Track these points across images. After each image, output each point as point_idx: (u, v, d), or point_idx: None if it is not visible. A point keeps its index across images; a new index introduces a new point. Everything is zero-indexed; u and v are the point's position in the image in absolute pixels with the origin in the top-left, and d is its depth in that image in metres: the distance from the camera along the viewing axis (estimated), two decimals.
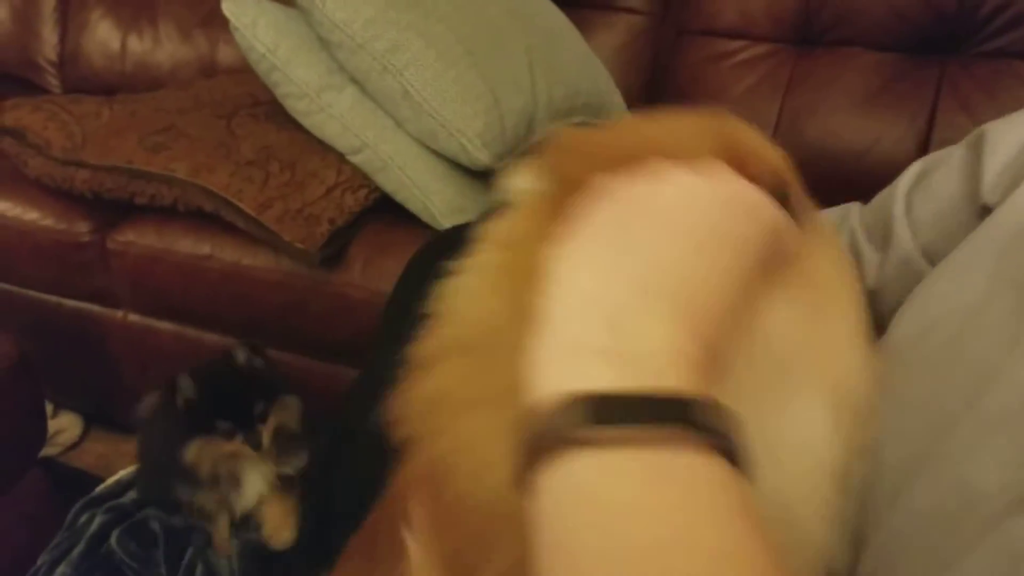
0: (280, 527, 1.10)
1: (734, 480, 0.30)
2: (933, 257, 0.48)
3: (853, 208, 0.56)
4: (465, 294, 0.41)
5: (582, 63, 1.41)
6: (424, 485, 0.41)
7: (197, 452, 1.07)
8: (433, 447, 0.38)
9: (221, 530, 1.10)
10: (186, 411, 1.07)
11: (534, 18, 1.38)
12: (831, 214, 0.59)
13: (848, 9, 1.44)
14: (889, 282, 0.50)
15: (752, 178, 0.39)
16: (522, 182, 0.44)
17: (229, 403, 1.07)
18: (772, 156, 0.41)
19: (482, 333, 0.39)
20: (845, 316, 0.43)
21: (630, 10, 1.64)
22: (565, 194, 0.39)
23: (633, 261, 0.34)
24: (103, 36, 1.87)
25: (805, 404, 0.39)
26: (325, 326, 1.24)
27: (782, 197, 0.39)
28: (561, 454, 0.30)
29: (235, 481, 1.10)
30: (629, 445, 0.29)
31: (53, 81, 1.93)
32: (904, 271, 0.49)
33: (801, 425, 0.39)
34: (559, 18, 1.45)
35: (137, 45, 1.85)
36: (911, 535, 0.37)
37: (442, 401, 0.39)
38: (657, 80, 1.64)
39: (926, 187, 0.50)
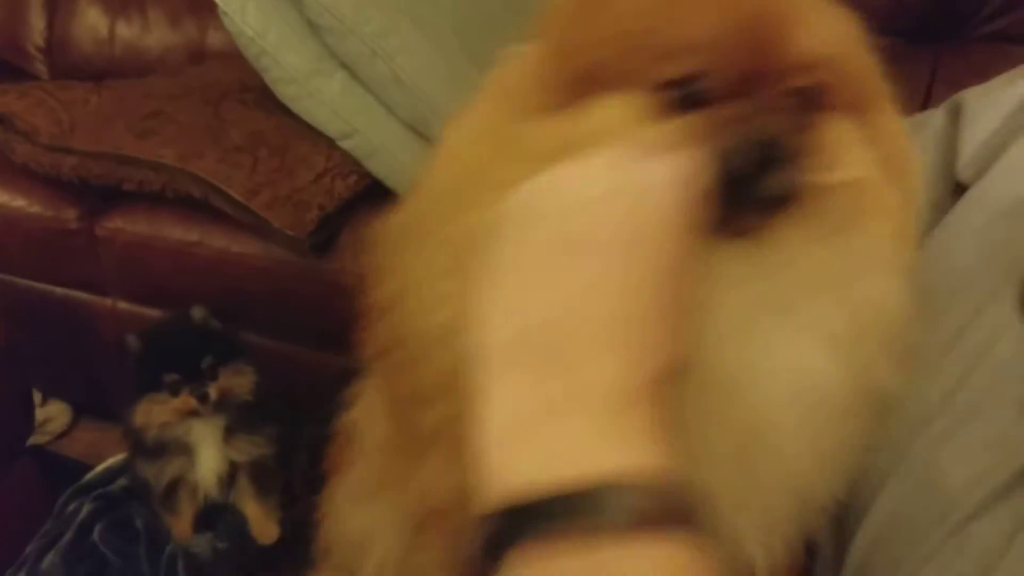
0: (264, 525, 1.09)
1: (681, 558, 0.29)
2: None
3: None
4: (458, 136, 0.42)
5: None
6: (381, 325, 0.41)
7: (145, 412, 1.04)
8: (389, 283, 0.39)
9: (183, 519, 1.07)
10: (136, 369, 1.04)
11: (529, 4, 1.36)
12: None
13: None
14: None
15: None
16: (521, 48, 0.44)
17: (178, 358, 1.03)
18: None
19: (455, 180, 0.40)
20: (877, 232, 0.39)
21: None
22: (556, 58, 0.39)
23: (561, 306, 0.32)
24: (91, 22, 1.85)
25: (798, 327, 0.37)
26: (315, 314, 1.23)
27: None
28: (500, 568, 0.29)
29: (187, 450, 1.07)
30: (563, 555, 0.28)
31: (41, 67, 1.90)
32: None
33: (789, 350, 0.37)
34: None
35: (126, 31, 1.83)
36: (885, 538, 0.36)
37: (406, 232, 0.39)
38: None
39: None
